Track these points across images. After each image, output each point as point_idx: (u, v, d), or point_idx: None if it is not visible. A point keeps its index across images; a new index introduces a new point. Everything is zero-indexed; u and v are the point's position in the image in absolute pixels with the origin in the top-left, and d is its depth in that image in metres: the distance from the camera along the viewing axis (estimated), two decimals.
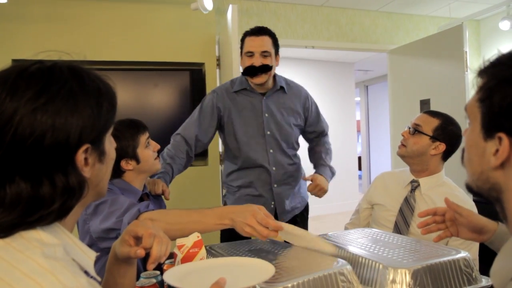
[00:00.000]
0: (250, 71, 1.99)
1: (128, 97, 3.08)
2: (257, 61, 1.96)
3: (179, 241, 1.13)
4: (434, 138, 1.72)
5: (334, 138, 6.74)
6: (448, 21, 4.51)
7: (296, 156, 2.19)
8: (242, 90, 2.09)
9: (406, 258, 1.15)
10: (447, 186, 1.76)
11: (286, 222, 1.97)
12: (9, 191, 0.62)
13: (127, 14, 3.11)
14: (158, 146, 1.67)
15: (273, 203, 2.10)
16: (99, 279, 0.70)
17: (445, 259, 1.14)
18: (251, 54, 1.98)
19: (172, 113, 3.21)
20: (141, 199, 1.59)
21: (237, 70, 2.81)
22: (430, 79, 3.94)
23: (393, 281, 1.06)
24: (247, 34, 2.03)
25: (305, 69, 6.62)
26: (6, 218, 0.61)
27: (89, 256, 0.71)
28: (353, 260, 1.18)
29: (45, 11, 2.93)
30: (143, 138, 1.60)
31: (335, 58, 6.66)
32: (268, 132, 2.07)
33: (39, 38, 2.90)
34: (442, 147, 1.72)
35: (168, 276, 0.87)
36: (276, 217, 2.11)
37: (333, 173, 2.18)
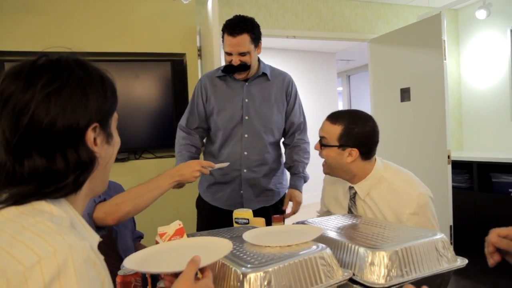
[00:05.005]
0: (229, 70, 2.05)
1: None
2: (235, 61, 2.00)
3: (160, 230, 1.13)
4: (343, 146, 1.58)
5: (316, 128, 6.82)
6: (427, 10, 4.56)
7: (274, 145, 2.17)
8: (225, 76, 2.11)
9: (384, 241, 1.17)
10: (387, 182, 1.59)
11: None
12: (27, 164, 0.70)
13: (107, 5, 3.06)
14: None
15: (241, 191, 2.11)
16: (102, 257, 0.74)
17: (422, 241, 1.17)
18: (229, 54, 2.01)
19: (154, 104, 3.18)
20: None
21: (218, 61, 2.80)
22: (410, 68, 3.99)
23: (372, 264, 1.09)
24: (225, 30, 2.00)
25: (287, 60, 6.63)
26: (24, 189, 0.69)
27: (93, 238, 0.77)
28: (333, 244, 1.21)
29: (22, 2, 2.86)
30: None
31: (317, 48, 6.67)
32: (246, 117, 2.08)
33: (16, 29, 2.84)
34: (355, 152, 1.57)
35: (129, 261, 0.90)
36: (242, 204, 2.11)
37: (305, 181, 2.21)
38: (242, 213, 1.55)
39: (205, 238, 1.07)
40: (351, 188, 1.66)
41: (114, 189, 1.75)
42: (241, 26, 1.97)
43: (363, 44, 4.62)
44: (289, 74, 2.24)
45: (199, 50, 3.38)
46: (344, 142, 1.57)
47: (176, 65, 3.24)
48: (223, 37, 2.03)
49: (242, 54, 1.99)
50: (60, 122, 0.71)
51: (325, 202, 1.87)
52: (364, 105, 7.54)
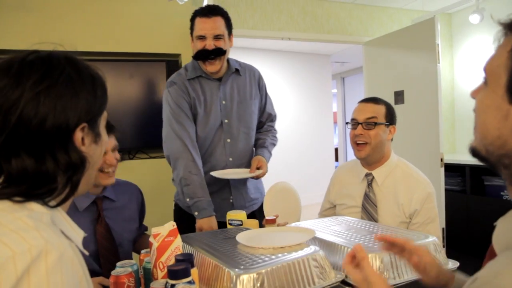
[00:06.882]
0: (203, 55, 1.84)
1: None
2: (210, 45, 1.82)
3: (154, 230, 1.13)
4: (388, 124, 1.76)
5: (311, 129, 6.89)
6: (421, 13, 4.59)
7: (252, 143, 2.06)
8: (198, 78, 1.93)
9: (376, 243, 1.18)
10: (401, 169, 1.76)
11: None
12: (15, 165, 0.68)
13: (102, 5, 3.05)
14: (115, 160, 1.53)
15: (231, 197, 1.98)
16: (86, 253, 0.74)
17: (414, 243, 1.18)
18: (202, 38, 1.83)
19: (148, 104, 3.18)
20: (94, 203, 1.54)
21: None
22: (404, 71, 4.02)
23: None
24: (197, 14, 1.85)
25: (282, 61, 6.64)
26: (15, 190, 0.68)
27: (78, 234, 0.75)
28: (326, 246, 1.22)
29: (17, 0, 2.85)
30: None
31: (311, 50, 6.69)
32: (226, 121, 1.94)
33: (11, 28, 2.82)
34: (393, 130, 1.79)
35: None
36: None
37: (269, 161, 2.04)
38: (235, 215, 1.55)
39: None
40: (368, 175, 1.78)
41: (128, 189, 1.72)
42: (215, 8, 1.86)
43: (358, 46, 4.64)
44: (255, 68, 2.11)
45: None
46: (389, 120, 1.77)
47: (171, 66, 3.24)
48: (193, 23, 1.87)
49: (217, 37, 1.82)
50: (49, 121, 0.69)
51: (331, 198, 1.93)
52: None
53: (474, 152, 0.71)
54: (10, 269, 0.58)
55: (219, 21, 1.84)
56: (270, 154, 2.07)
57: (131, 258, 1.65)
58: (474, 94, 0.70)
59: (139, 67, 3.16)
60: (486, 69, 0.66)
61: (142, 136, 3.17)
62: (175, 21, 3.24)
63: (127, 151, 3.15)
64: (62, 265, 0.62)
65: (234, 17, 4.07)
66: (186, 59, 3.28)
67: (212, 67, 1.87)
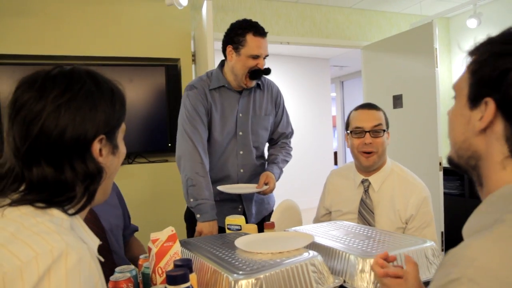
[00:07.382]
0: (257, 75, 1.91)
1: None
2: (262, 64, 1.90)
3: (153, 235, 1.14)
4: (386, 130, 1.76)
5: (310, 133, 6.90)
6: (419, 18, 4.61)
7: (263, 156, 2.12)
8: (221, 88, 1.96)
9: (375, 248, 1.19)
10: (396, 173, 1.76)
11: (255, 224, 1.90)
12: (35, 173, 0.73)
13: (102, 9, 3.06)
14: None
15: (240, 206, 2.01)
16: (102, 259, 0.77)
17: (412, 248, 1.19)
18: (257, 57, 1.89)
19: (148, 108, 3.18)
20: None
21: (212, 66, 2.80)
22: (403, 75, 4.03)
23: (362, 271, 1.10)
24: (250, 31, 1.87)
25: (281, 65, 6.65)
26: (37, 197, 0.72)
27: (94, 241, 0.79)
28: (324, 251, 1.22)
29: (16, 5, 2.86)
30: None
31: (310, 54, 6.71)
32: (240, 133, 1.97)
33: (10, 32, 2.83)
34: (388, 135, 1.78)
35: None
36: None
37: (278, 178, 2.05)
38: (234, 220, 1.56)
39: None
40: (364, 181, 1.76)
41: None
42: (264, 28, 1.92)
43: (357, 50, 4.66)
44: (275, 83, 2.16)
45: (193, 55, 3.39)
46: (387, 125, 1.77)
47: (170, 70, 3.25)
48: (244, 40, 1.88)
49: (265, 57, 1.91)
50: (68, 133, 0.73)
51: (326, 205, 1.91)
52: None
53: (449, 160, 0.83)
54: (33, 268, 0.62)
55: (267, 42, 1.93)
56: (281, 170, 2.08)
57: (123, 248, 1.65)
58: (448, 112, 0.83)
59: (139, 72, 3.17)
60: (454, 87, 0.79)
61: (142, 140, 3.17)
62: (174, 26, 3.26)
63: (126, 156, 3.15)
64: (80, 267, 0.65)
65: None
66: (185, 63, 3.30)
67: (252, 83, 1.95)
